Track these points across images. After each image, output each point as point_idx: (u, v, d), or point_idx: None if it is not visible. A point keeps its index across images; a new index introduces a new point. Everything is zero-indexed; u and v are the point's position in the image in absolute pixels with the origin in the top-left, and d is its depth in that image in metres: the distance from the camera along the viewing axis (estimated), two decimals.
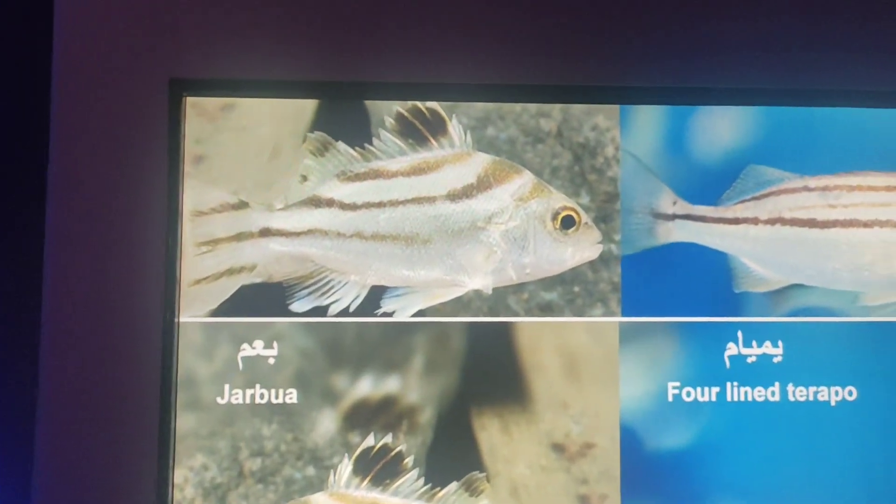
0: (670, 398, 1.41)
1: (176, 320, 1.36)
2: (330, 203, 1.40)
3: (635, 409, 1.41)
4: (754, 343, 1.42)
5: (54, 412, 1.35)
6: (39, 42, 1.39)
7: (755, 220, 1.44)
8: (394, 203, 1.40)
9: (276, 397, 1.38)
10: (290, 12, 1.42)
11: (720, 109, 1.44)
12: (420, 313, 1.39)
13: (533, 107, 1.42)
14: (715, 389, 1.42)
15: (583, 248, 1.40)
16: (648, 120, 1.43)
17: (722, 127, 1.44)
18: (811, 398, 1.42)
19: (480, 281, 1.40)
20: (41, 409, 1.35)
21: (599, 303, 1.41)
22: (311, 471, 1.37)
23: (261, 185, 1.39)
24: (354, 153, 1.40)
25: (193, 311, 1.37)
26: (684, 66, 1.44)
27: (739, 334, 1.42)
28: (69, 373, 1.35)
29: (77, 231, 1.37)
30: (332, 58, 1.42)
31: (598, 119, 1.43)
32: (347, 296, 1.39)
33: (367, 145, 1.41)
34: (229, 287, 1.38)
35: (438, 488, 1.38)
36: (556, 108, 1.43)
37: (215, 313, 1.37)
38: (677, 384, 1.42)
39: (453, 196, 1.40)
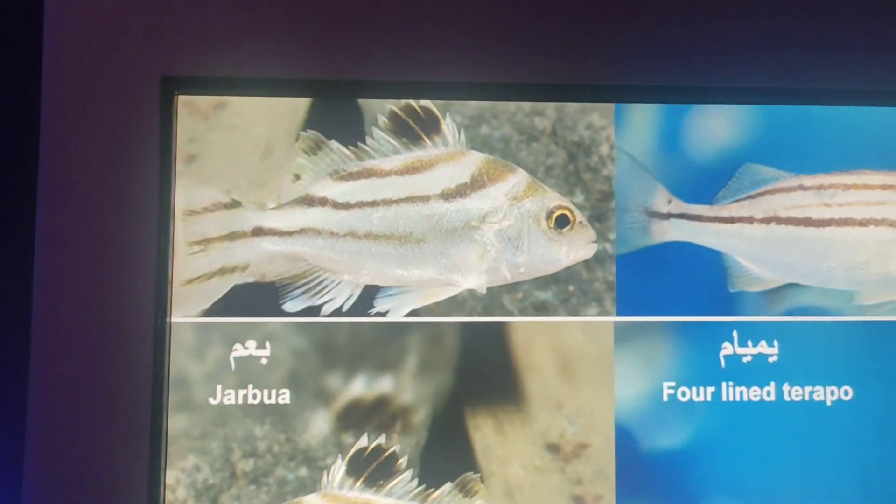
0: (665, 398, 1.41)
1: (168, 320, 1.36)
2: (323, 202, 1.39)
3: (630, 409, 1.40)
4: (750, 342, 1.42)
5: (45, 412, 1.35)
6: (30, 40, 1.38)
7: (750, 219, 1.44)
8: (387, 202, 1.39)
9: (269, 398, 1.37)
10: (283, 10, 1.42)
11: (715, 108, 1.44)
12: (414, 313, 1.39)
13: (527, 105, 1.42)
14: (710, 389, 1.42)
15: (577, 247, 1.40)
16: (643, 118, 1.43)
17: (717, 125, 1.44)
18: (807, 398, 1.42)
19: (474, 280, 1.39)
20: (32, 409, 1.35)
21: (594, 302, 1.41)
22: (304, 472, 1.37)
23: (253, 183, 1.39)
24: (347, 152, 1.40)
25: (185, 311, 1.36)
26: (679, 65, 1.44)
27: (735, 334, 1.42)
28: (60, 373, 1.35)
29: (68, 230, 1.37)
30: (325, 56, 1.41)
31: (592, 117, 1.42)
32: (341, 295, 1.38)
33: (360, 144, 1.40)
34: (222, 287, 1.37)
35: (432, 489, 1.37)
36: (550, 107, 1.42)
37: (207, 313, 1.37)
38: (672, 384, 1.41)
39: (447, 195, 1.39)
